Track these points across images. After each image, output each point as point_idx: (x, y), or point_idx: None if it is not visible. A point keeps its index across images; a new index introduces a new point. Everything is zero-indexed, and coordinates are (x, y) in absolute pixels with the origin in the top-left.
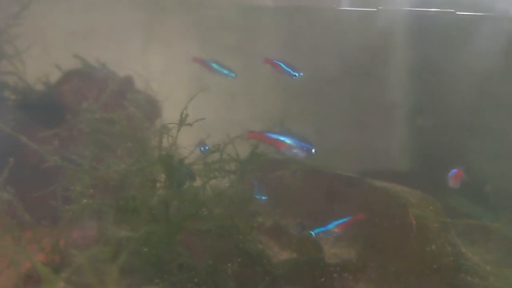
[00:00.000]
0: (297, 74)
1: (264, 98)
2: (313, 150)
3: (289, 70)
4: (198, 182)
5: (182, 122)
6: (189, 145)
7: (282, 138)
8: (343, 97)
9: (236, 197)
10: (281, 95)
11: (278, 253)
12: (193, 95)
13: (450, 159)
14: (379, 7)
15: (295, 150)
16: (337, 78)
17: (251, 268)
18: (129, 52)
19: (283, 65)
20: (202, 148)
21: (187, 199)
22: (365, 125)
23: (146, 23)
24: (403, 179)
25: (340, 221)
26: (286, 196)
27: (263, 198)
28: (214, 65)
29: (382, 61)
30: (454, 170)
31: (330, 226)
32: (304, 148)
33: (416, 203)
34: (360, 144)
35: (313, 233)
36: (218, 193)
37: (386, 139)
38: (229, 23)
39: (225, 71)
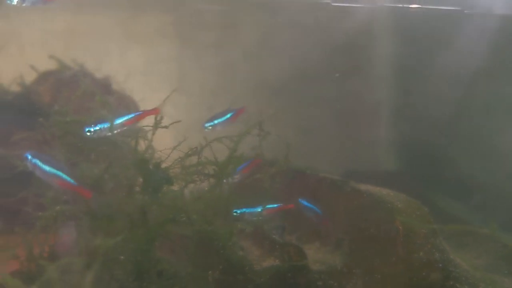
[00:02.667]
0: None
1: (245, 97)
2: None
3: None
4: (176, 187)
5: (157, 124)
6: (167, 148)
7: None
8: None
9: (214, 201)
10: (264, 94)
11: (260, 259)
12: (169, 95)
13: (436, 159)
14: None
15: None
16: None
17: (233, 276)
18: (108, 52)
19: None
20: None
21: (164, 204)
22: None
23: (124, 22)
24: (388, 179)
25: (270, 205)
26: (270, 200)
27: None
28: None
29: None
30: None
31: (258, 209)
32: None
33: (402, 208)
34: (345, 144)
35: (237, 212)
36: (196, 198)
37: (371, 139)
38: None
39: None
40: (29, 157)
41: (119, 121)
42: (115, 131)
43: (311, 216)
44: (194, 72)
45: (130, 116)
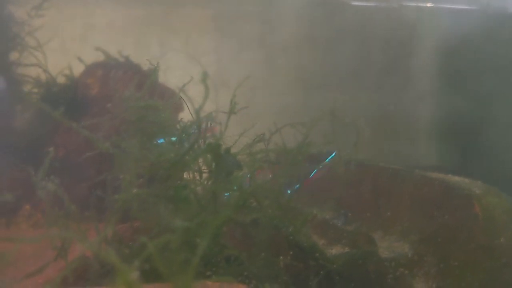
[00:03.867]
0: None
1: (284, 91)
2: None
3: None
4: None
5: (232, 110)
6: (233, 135)
7: None
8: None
9: (282, 188)
10: (304, 88)
11: (327, 247)
12: (238, 85)
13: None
14: None
15: None
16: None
17: (304, 262)
18: (147, 46)
19: None
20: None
21: (235, 189)
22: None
23: (163, 15)
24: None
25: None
26: (327, 191)
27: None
28: None
29: None
30: None
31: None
32: None
33: (481, 194)
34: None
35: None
36: (265, 184)
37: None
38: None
39: None
40: None
41: None
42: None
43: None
44: (234, 66)
45: None
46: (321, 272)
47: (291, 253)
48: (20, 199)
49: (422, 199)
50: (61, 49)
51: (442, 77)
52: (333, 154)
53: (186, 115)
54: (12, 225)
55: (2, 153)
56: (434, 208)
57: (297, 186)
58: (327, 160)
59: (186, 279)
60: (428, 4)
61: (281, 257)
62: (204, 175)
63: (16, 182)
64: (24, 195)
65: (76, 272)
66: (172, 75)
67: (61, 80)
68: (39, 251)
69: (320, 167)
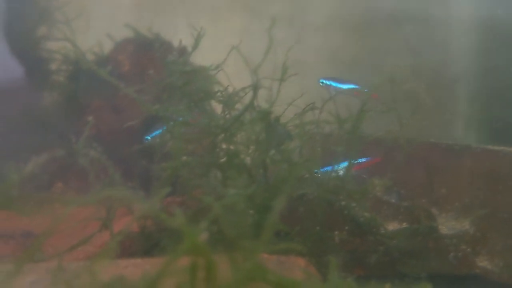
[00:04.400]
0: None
1: (316, 71)
2: None
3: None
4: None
5: (283, 76)
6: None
7: None
8: None
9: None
10: (335, 69)
11: (383, 223)
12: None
13: None
14: None
15: None
16: None
17: (361, 237)
18: (175, 26)
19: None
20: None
21: (287, 160)
22: None
23: None
24: None
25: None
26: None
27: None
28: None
29: None
30: None
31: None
32: None
33: None
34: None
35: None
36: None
37: None
38: None
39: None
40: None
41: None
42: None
43: None
44: (263, 47)
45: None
46: (380, 248)
47: (346, 228)
48: (52, 176)
49: (484, 173)
50: (87, 27)
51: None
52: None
53: None
54: (44, 203)
55: (32, 131)
56: (499, 182)
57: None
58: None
59: (258, 244)
60: None
61: (336, 232)
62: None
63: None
64: (56, 172)
65: (122, 245)
66: (200, 55)
67: (89, 57)
68: (75, 229)
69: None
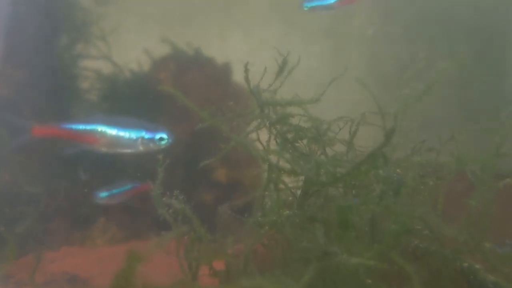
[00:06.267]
0: None
1: (353, 87)
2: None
3: None
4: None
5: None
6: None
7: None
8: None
9: None
10: (376, 85)
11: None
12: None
13: None
14: None
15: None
16: None
17: None
18: (207, 38)
19: None
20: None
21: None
22: None
23: (224, 5)
24: None
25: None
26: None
27: None
28: None
29: None
30: None
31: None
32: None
33: None
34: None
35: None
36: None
37: None
38: None
39: None
40: None
41: None
42: None
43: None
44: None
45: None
46: None
47: None
48: (94, 210)
49: None
50: (117, 41)
51: None
52: None
53: None
54: (86, 240)
55: (70, 161)
56: None
57: None
58: None
59: None
60: None
61: None
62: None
63: (89, 192)
64: (98, 206)
65: None
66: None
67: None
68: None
69: None
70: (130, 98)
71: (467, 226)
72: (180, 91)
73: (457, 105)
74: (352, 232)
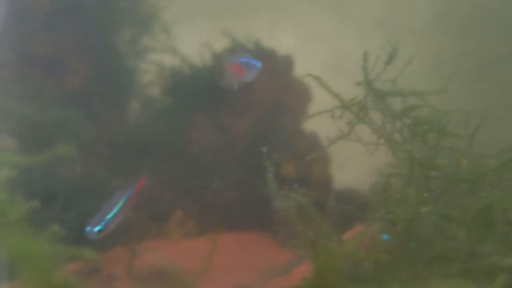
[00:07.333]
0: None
1: (414, 80)
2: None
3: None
4: None
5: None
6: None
7: None
8: None
9: None
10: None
11: None
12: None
13: None
14: None
15: None
16: None
17: None
18: (258, 31)
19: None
20: None
21: None
22: None
23: None
24: None
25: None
26: None
27: None
28: None
29: None
30: None
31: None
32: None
33: None
34: None
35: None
36: None
37: None
38: None
39: None
40: None
41: None
42: None
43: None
44: (353, 53)
45: None
46: None
47: None
48: (171, 203)
49: None
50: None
51: None
52: None
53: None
54: (163, 234)
55: (143, 152)
56: None
57: None
58: None
59: None
60: None
61: None
62: None
63: (165, 185)
64: (174, 199)
65: None
66: None
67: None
68: None
69: None
70: (193, 91)
71: None
72: (246, 84)
73: None
74: (495, 232)
